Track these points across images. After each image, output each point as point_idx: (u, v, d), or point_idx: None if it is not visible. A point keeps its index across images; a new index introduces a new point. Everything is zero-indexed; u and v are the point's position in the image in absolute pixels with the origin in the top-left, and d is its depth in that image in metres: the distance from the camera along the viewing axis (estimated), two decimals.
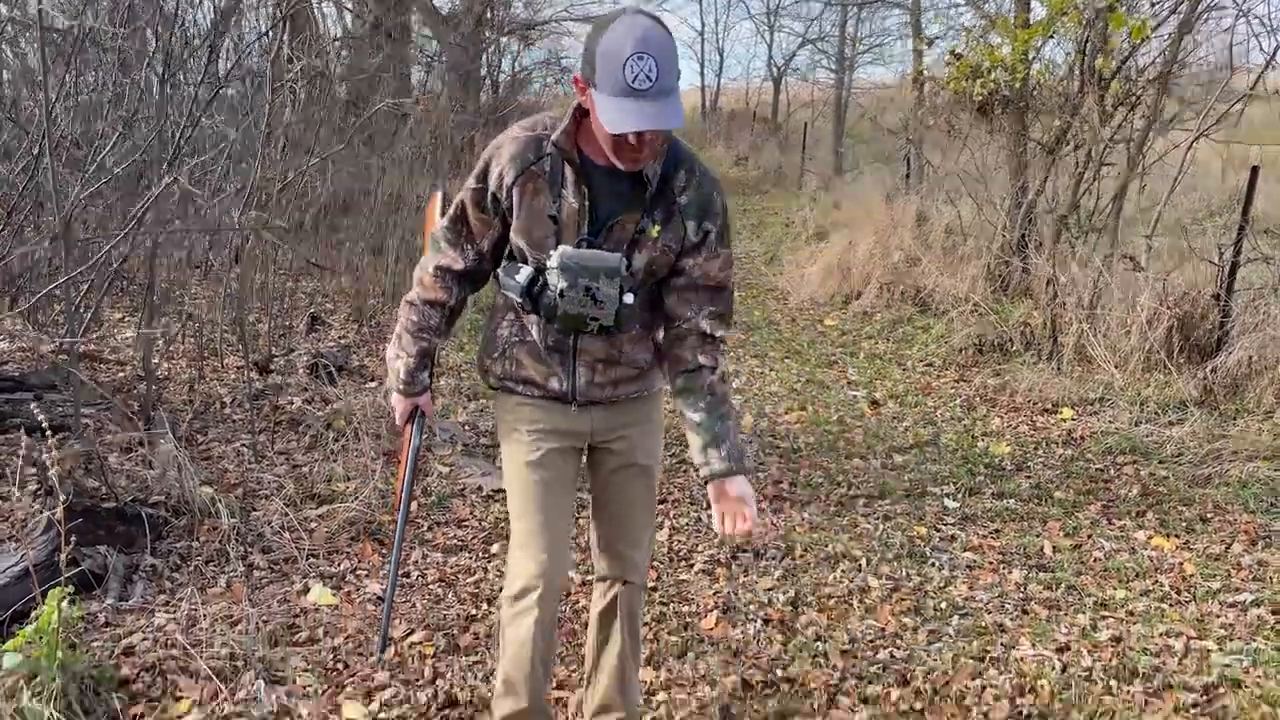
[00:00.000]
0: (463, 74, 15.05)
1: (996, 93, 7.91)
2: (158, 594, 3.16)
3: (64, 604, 2.42)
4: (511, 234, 2.13)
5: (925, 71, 11.23)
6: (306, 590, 3.30)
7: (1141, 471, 4.78)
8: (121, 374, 5.00)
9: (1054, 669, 3.04)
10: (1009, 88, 7.82)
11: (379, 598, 3.29)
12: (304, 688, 2.75)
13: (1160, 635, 3.27)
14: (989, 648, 3.17)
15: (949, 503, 4.40)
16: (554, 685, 2.72)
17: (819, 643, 3.17)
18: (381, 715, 2.64)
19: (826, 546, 3.88)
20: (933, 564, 3.78)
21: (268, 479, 4.02)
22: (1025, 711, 2.81)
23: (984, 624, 3.33)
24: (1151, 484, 4.60)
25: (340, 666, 2.88)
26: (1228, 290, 5.92)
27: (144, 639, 2.88)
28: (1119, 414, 5.54)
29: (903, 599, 3.50)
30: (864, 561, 3.76)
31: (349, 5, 13.98)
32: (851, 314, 8.29)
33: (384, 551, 3.63)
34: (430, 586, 3.43)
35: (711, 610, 3.34)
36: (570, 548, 2.29)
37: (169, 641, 2.87)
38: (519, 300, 2.10)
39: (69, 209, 3.81)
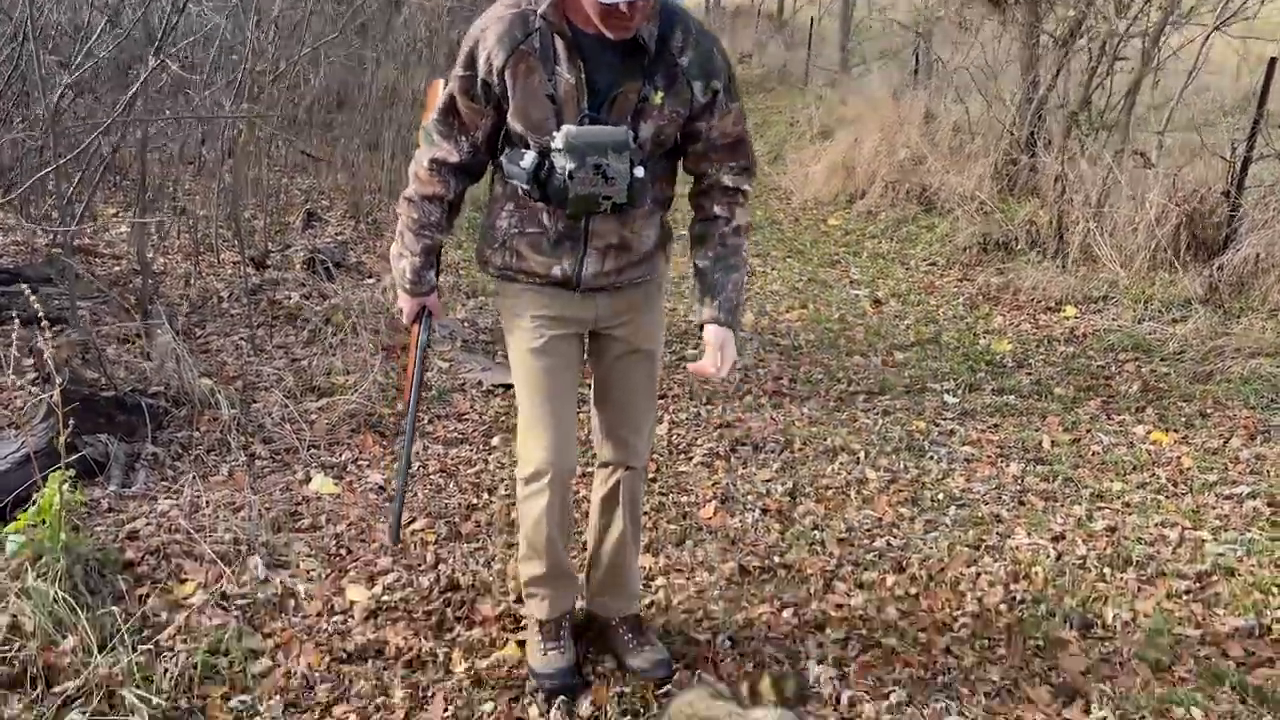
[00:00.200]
0: None
1: None
2: (160, 481, 3.18)
3: (65, 487, 2.43)
4: (509, 119, 2.05)
5: None
6: (308, 479, 3.32)
7: (1143, 368, 4.77)
8: (117, 268, 4.95)
9: (1048, 557, 3.07)
10: None
11: (381, 487, 3.32)
12: (307, 572, 2.79)
13: (1155, 525, 3.30)
14: (985, 537, 3.20)
15: (949, 398, 4.40)
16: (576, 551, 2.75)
17: (816, 531, 3.20)
18: (385, 598, 2.68)
19: (825, 440, 3.89)
20: (931, 457, 3.79)
21: (267, 372, 4.01)
22: (1019, 597, 2.85)
23: (980, 514, 3.36)
24: (1152, 380, 4.59)
25: (343, 552, 2.92)
26: (1238, 187, 5.81)
27: (147, 524, 2.91)
28: (1122, 312, 5.51)
29: (900, 490, 3.52)
30: (862, 454, 3.78)
31: None
32: (855, 213, 8.17)
33: (384, 443, 3.65)
34: (431, 477, 3.45)
35: (710, 500, 3.36)
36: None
37: (172, 526, 2.90)
38: (526, 187, 2.03)
39: (56, 98, 3.72)
